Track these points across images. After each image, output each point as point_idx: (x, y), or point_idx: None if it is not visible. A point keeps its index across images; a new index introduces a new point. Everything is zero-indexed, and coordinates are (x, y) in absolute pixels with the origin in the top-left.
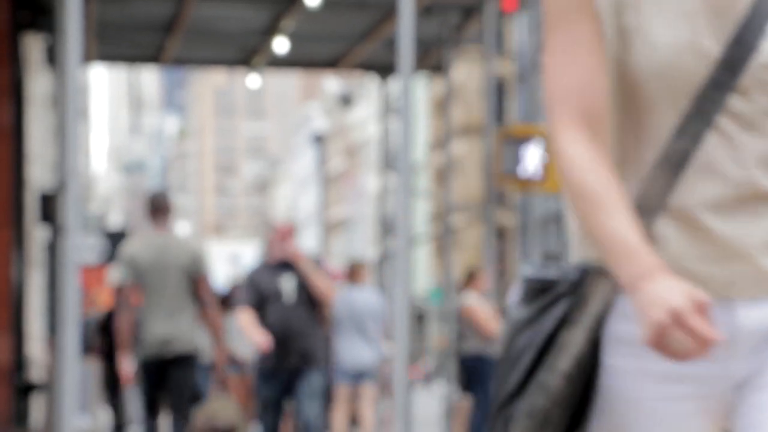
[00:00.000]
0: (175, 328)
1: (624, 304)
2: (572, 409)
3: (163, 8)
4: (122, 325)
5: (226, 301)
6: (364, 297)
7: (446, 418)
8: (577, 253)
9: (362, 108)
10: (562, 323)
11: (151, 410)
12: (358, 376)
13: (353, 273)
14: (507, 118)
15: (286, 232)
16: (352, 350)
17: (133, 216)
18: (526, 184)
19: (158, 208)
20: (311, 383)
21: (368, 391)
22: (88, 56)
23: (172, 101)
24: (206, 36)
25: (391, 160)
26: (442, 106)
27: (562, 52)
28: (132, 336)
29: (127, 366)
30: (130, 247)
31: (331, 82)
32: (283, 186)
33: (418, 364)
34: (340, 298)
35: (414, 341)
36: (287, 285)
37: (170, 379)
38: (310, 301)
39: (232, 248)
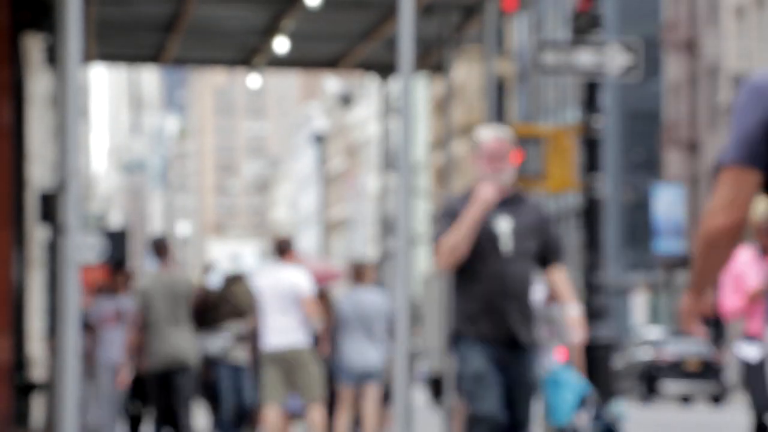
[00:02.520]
0: (179, 345)
1: None
2: None
3: (163, 8)
4: (129, 343)
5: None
6: (371, 297)
7: (446, 418)
8: None
9: (362, 108)
10: None
11: (162, 414)
12: (362, 377)
13: (359, 273)
14: (507, 118)
15: (502, 149)
16: (358, 351)
17: (133, 215)
18: (526, 184)
19: (161, 250)
20: (529, 367)
21: (372, 391)
22: (88, 56)
23: (172, 101)
24: (206, 36)
25: (391, 160)
26: (442, 106)
27: None
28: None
29: (125, 374)
30: (144, 283)
31: (331, 82)
32: (283, 186)
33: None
34: (346, 298)
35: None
36: (504, 228)
37: (174, 385)
38: (530, 253)
39: (232, 248)
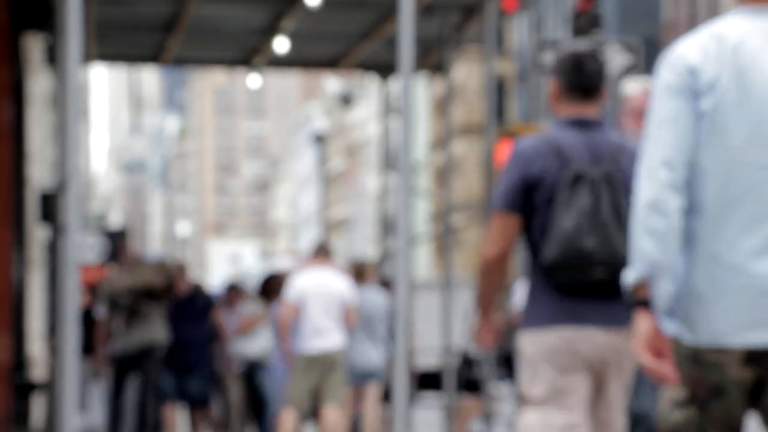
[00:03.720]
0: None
1: None
2: None
3: (163, 8)
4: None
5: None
6: (372, 297)
7: (446, 419)
8: None
9: (362, 108)
10: None
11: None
12: (363, 376)
13: (360, 273)
14: (507, 118)
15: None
16: (359, 350)
17: (133, 215)
18: None
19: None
20: None
21: (373, 391)
22: (88, 56)
23: (172, 101)
24: (206, 36)
25: (391, 160)
26: (442, 105)
27: None
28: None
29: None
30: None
31: (331, 82)
32: (283, 186)
33: None
34: None
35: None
36: None
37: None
38: None
39: (232, 248)
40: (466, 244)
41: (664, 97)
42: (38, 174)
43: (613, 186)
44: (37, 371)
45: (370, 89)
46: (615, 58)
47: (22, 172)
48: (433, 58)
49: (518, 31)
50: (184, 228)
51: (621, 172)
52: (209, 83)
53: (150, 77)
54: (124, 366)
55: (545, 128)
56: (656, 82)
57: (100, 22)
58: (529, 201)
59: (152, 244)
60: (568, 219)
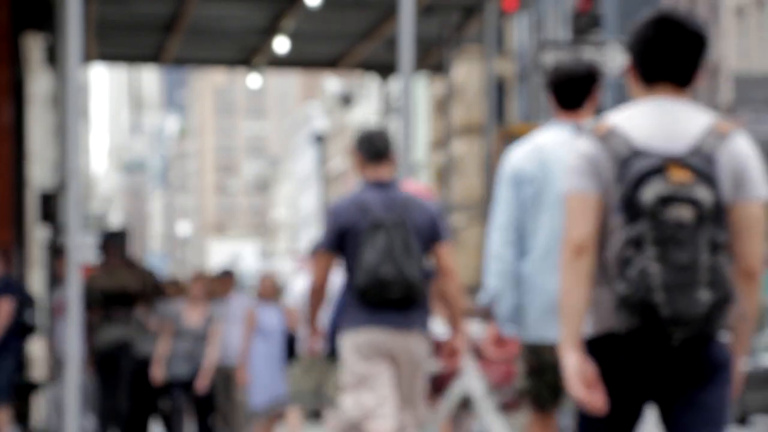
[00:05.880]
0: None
1: None
2: None
3: (163, 8)
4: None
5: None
6: None
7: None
8: None
9: (362, 108)
10: None
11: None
12: None
13: None
14: (507, 118)
15: None
16: None
17: (133, 215)
18: None
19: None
20: None
21: None
22: (88, 56)
23: (172, 101)
24: (206, 36)
25: None
26: (442, 105)
27: None
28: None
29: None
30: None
31: (332, 82)
32: (284, 185)
33: None
34: None
35: None
36: None
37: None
38: None
39: (232, 247)
40: (466, 244)
41: (503, 187)
42: (39, 174)
43: (403, 229)
44: (37, 371)
45: (370, 89)
46: (615, 58)
47: (22, 172)
48: (433, 58)
49: (518, 31)
50: (184, 228)
51: (409, 219)
52: (209, 83)
53: (150, 77)
54: (101, 366)
55: (355, 187)
56: (500, 177)
57: (100, 22)
58: (343, 243)
59: (152, 244)
60: (371, 255)
